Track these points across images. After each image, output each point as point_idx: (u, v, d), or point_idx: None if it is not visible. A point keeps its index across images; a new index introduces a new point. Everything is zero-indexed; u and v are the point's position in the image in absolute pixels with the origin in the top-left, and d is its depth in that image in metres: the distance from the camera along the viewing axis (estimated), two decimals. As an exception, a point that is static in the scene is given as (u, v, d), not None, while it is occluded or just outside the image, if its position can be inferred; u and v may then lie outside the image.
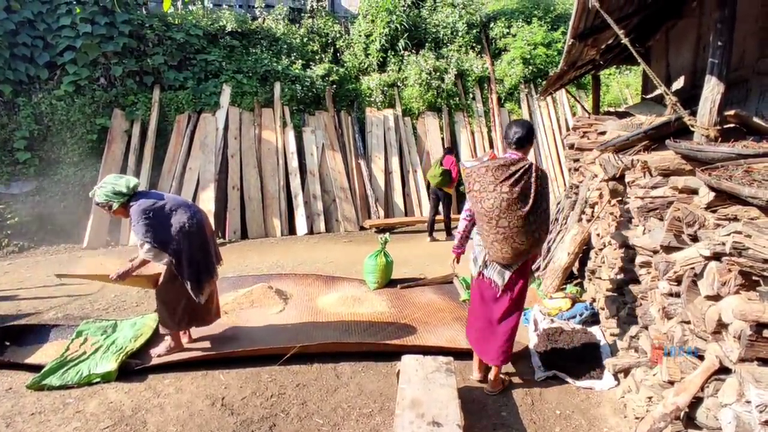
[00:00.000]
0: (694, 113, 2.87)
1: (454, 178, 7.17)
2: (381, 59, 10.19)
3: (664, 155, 2.85)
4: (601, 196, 4.19)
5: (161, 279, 3.28)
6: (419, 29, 10.56)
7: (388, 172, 9.26)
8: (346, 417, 2.84)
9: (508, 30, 10.76)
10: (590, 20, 4.07)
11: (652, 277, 2.80)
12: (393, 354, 3.41)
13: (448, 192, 7.42)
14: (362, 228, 8.62)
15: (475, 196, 2.74)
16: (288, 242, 7.76)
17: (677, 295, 2.41)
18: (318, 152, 8.85)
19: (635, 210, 2.95)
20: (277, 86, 9.03)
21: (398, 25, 10.06)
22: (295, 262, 6.38)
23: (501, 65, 10.50)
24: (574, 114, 9.92)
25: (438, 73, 9.93)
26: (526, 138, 2.80)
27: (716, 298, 2.03)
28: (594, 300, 4.12)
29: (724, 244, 1.93)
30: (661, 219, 2.73)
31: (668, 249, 2.47)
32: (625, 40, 2.98)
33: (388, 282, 5.02)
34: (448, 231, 7.58)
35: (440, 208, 7.58)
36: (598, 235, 4.21)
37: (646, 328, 2.83)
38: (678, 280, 2.38)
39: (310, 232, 8.35)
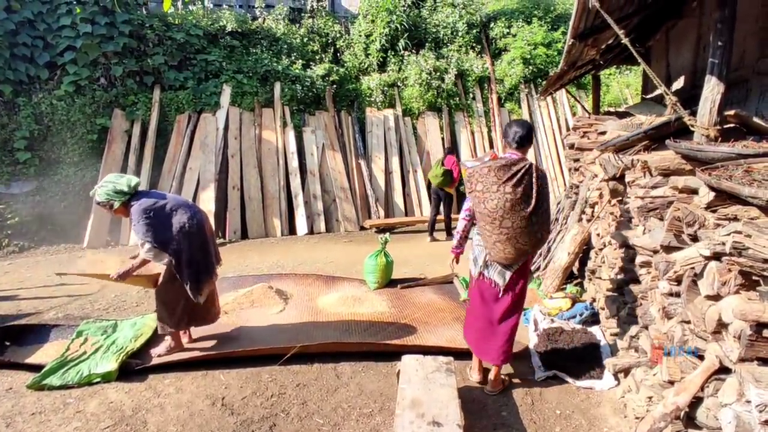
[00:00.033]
0: (694, 113, 2.87)
1: (456, 178, 7.17)
2: (381, 59, 10.19)
3: (664, 155, 2.85)
4: (601, 196, 4.20)
5: (161, 279, 3.28)
6: (419, 29, 10.56)
7: (388, 172, 9.26)
8: (347, 417, 2.85)
9: (508, 30, 10.76)
10: (590, 20, 4.07)
11: (652, 277, 2.80)
12: (393, 354, 3.41)
13: (450, 192, 7.42)
14: (362, 228, 8.62)
15: (477, 197, 2.73)
16: (288, 242, 7.76)
17: (677, 294, 2.41)
18: (318, 152, 8.85)
19: (635, 210, 2.95)
20: (278, 86, 9.03)
21: (398, 25, 10.06)
22: (295, 262, 6.38)
23: (501, 65, 10.50)
24: (574, 114, 9.92)
25: (438, 73, 9.93)
26: (526, 138, 2.82)
27: (716, 297, 2.03)
28: (594, 300, 4.12)
29: (724, 243, 1.93)
30: (661, 219, 2.73)
31: (668, 249, 2.47)
32: (625, 40, 2.98)
33: (389, 282, 5.02)
34: (449, 231, 7.58)
35: (441, 207, 7.58)
36: (598, 235, 4.21)
37: (647, 327, 2.83)
38: (678, 280, 2.38)
39: (311, 232, 8.35)
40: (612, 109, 6.89)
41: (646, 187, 2.94)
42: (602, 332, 3.69)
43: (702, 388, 2.08)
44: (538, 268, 5.11)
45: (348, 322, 4.04)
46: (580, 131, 5.20)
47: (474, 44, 10.68)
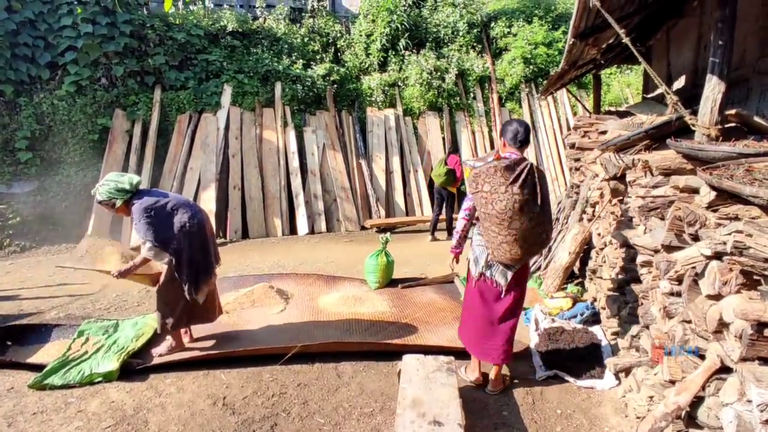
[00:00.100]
0: (695, 112, 2.86)
1: (459, 178, 7.16)
2: (382, 59, 10.19)
3: (665, 154, 2.85)
4: (602, 195, 4.19)
5: (162, 278, 3.28)
6: (420, 29, 10.56)
7: (389, 172, 9.26)
8: (348, 416, 2.85)
9: (508, 29, 10.75)
10: (591, 19, 4.07)
11: (653, 277, 2.80)
12: (394, 353, 3.42)
13: (452, 191, 7.41)
14: (363, 228, 8.62)
15: (485, 197, 2.68)
16: (289, 242, 7.77)
17: (678, 294, 2.41)
18: (319, 152, 8.86)
19: (636, 209, 2.94)
20: (278, 86, 9.04)
21: (399, 25, 10.06)
22: (296, 261, 6.38)
23: (502, 65, 10.49)
24: (575, 113, 9.92)
25: (439, 73, 9.93)
26: (527, 138, 2.83)
27: (717, 297, 2.03)
28: (595, 299, 4.12)
29: (725, 243, 1.93)
30: (662, 218, 2.72)
31: (669, 248, 2.47)
32: (626, 40, 2.98)
33: (389, 282, 5.03)
34: (450, 231, 7.57)
35: (443, 207, 7.57)
36: (599, 234, 4.21)
37: (647, 327, 2.82)
38: (679, 280, 2.38)
39: (311, 231, 8.35)
40: (613, 109, 6.89)
41: (647, 186, 2.93)
42: (603, 332, 3.69)
43: (703, 388, 2.08)
44: (539, 268, 5.11)
45: (349, 322, 4.05)
46: (580, 131, 5.20)
47: (475, 44, 10.68)
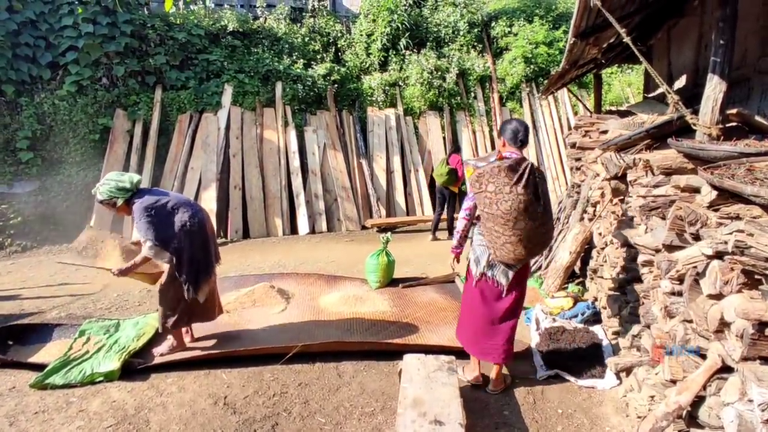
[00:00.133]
0: (696, 112, 2.86)
1: (460, 177, 7.15)
2: (382, 58, 10.19)
3: (666, 154, 2.85)
4: (603, 195, 4.19)
5: (164, 277, 3.29)
6: (420, 28, 10.55)
7: (389, 172, 9.26)
8: (349, 416, 2.85)
9: (509, 29, 10.75)
10: (592, 19, 4.07)
11: (654, 276, 2.80)
12: (395, 353, 3.41)
13: (454, 191, 7.41)
14: (364, 227, 8.63)
15: (489, 198, 2.66)
16: (290, 242, 7.77)
17: (679, 294, 2.41)
18: (320, 152, 8.86)
19: (637, 209, 2.94)
20: (279, 86, 9.04)
21: (399, 25, 10.06)
22: (296, 261, 6.39)
23: (502, 64, 10.49)
24: (575, 113, 9.92)
25: (439, 73, 9.93)
26: (527, 137, 2.85)
27: (718, 296, 2.03)
28: (596, 299, 4.11)
29: (726, 242, 1.93)
30: (664, 218, 2.72)
31: (670, 248, 2.47)
32: (626, 39, 2.98)
33: (390, 281, 5.03)
34: (451, 231, 7.57)
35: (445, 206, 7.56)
36: (600, 234, 4.21)
37: (648, 327, 2.82)
38: (680, 279, 2.38)
39: (312, 231, 8.36)
40: (614, 108, 6.88)
41: (648, 186, 2.93)
42: (604, 331, 3.68)
43: (704, 387, 2.08)
44: (539, 267, 5.11)
45: (350, 322, 4.05)
46: (581, 130, 5.19)
47: (475, 43, 10.68)
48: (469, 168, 2.81)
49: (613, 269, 3.62)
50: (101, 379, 3.15)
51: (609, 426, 2.74)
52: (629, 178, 3.34)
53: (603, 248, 4.00)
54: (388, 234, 5.36)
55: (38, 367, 3.25)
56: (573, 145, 5.34)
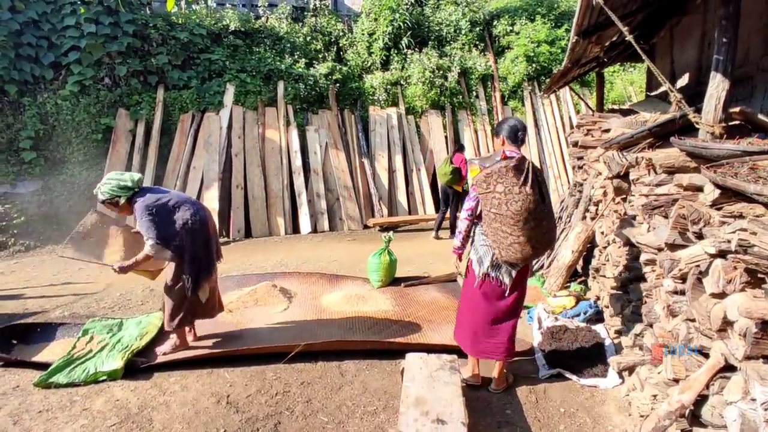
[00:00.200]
0: (698, 110, 2.86)
1: (464, 176, 7.14)
2: (384, 57, 10.18)
3: (668, 152, 2.84)
4: (605, 194, 4.19)
5: (168, 277, 3.29)
6: (422, 27, 10.55)
7: (391, 171, 9.26)
8: (351, 415, 2.85)
9: (511, 27, 10.73)
10: (594, 17, 4.06)
11: (657, 275, 2.80)
12: (397, 352, 3.42)
13: (458, 190, 7.40)
14: (366, 226, 8.63)
15: (498, 198, 2.63)
16: (292, 241, 7.78)
17: (682, 292, 2.41)
18: (321, 151, 8.86)
19: (640, 207, 2.94)
20: (281, 85, 9.05)
21: (401, 24, 10.05)
22: (299, 260, 6.39)
23: (504, 63, 10.48)
24: (578, 112, 9.90)
25: (441, 72, 9.92)
26: (525, 135, 2.86)
27: (721, 295, 2.03)
28: (598, 298, 4.11)
29: (729, 241, 1.93)
30: (666, 216, 2.72)
31: (673, 247, 2.46)
32: (629, 37, 2.97)
33: (392, 280, 5.03)
34: (453, 230, 7.56)
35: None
36: (602, 233, 4.21)
37: (651, 326, 2.82)
38: (683, 278, 2.38)
39: (314, 230, 8.37)
40: (616, 107, 6.87)
41: (651, 184, 2.93)
42: (606, 330, 3.68)
43: (707, 386, 2.08)
44: (541, 266, 5.11)
45: (352, 321, 4.05)
46: (583, 129, 5.19)
47: (477, 42, 10.67)
48: (474, 168, 2.77)
49: (615, 268, 3.62)
50: (104, 378, 3.16)
51: (611, 425, 2.74)
52: (632, 176, 3.33)
53: (605, 247, 4.00)
54: (390, 233, 5.36)
55: (42, 366, 3.26)
56: (575, 144, 5.33)
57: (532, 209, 2.59)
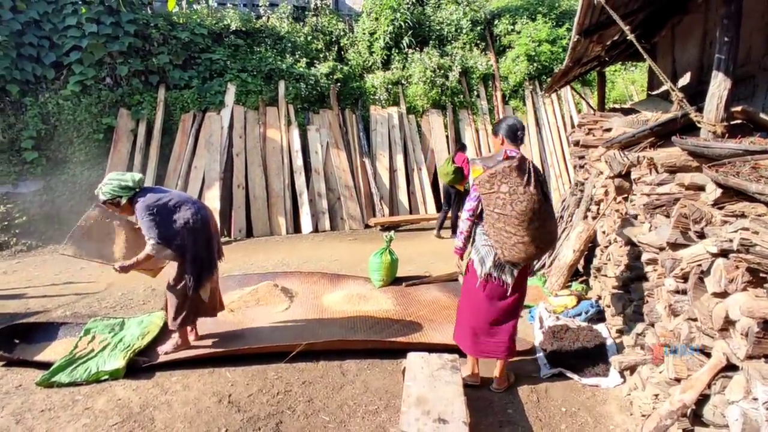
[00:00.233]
0: (700, 109, 2.85)
1: (466, 176, 7.12)
2: (385, 57, 10.18)
3: (670, 152, 2.84)
4: (606, 193, 4.18)
5: (171, 276, 3.30)
6: (423, 27, 10.54)
7: (392, 170, 9.26)
8: (352, 414, 2.86)
9: (512, 27, 10.72)
10: (595, 16, 4.06)
11: (659, 275, 2.80)
12: (398, 351, 3.42)
13: (460, 189, 7.39)
14: (367, 226, 8.63)
15: (503, 198, 2.61)
16: (293, 240, 7.79)
17: (684, 292, 2.40)
18: (322, 150, 8.87)
19: (641, 207, 2.94)
20: (282, 85, 9.05)
21: (402, 23, 10.05)
22: (300, 260, 6.40)
23: (505, 62, 10.47)
24: (579, 111, 9.89)
25: (442, 71, 9.92)
26: (524, 135, 2.86)
27: (723, 295, 2.03)
28: (600, 297, 4.11)
29: (731, 240, 1.92)
30: (668, 216, 2.72)
31: (675, 246, 2.46)
32: (630, 36, 2.97)
33: (394, 280, 5.03)
34: (455, 229, 7.55)
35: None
36: (603, 232, 4.20)
37: (653, 325, 2.82)
38: (685, 278, 2.38)
39: (315, 230, 8.37)
40: (617, 106, 6.86)
41: (652, 184, 2.92)
42: (608, 330, 3.68)
43: (709, 386, 2.08)
44: (543, 266, 5.11)
45: (353, 320, 4.06)
46: (585, 128, 5.18)
47: (478, 41, 10.66)
48: (477, 168, 2.74)
49: (616, 267, 3.61)
50: (106, 377, 3.17)
51: (613, 424, 2.74)
52: (633, 176, 3.33)
53: (607, 246, 4.00)
54: (392, 232, 5.36)
55: (44, 366, 3.27)
56: (576, 143, 5.32)
57: (537, 209, 2.59)
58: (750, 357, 1.85)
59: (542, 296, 4.44)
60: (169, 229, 3.18)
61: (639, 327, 3.05)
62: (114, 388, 3.09)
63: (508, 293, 2.87)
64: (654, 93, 5.76)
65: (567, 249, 4.61)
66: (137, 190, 3.21)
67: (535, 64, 10.22)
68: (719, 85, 2.71)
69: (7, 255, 6.98)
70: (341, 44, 10.28)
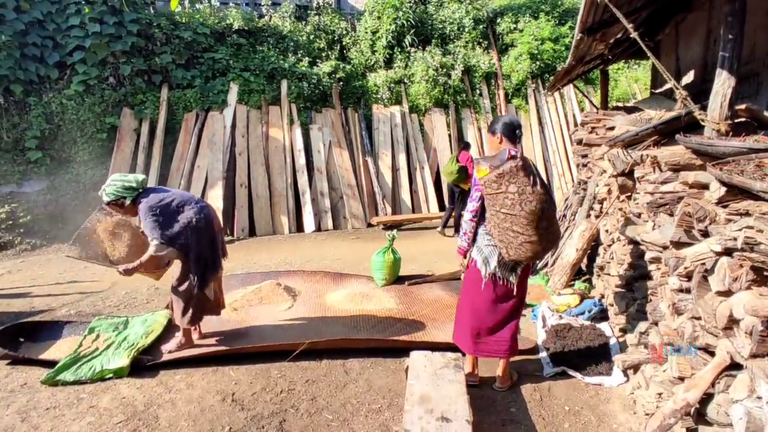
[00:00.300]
0: (704, 107, 2.84)
1: (471, 174, 7.09)
2: (387, 56, 10.18)
3: (674, 150, 2.83)
4: (609, 191, 4.17)
5: (175, 276, 3.31)
6: (425, 25, 10.53)
7: (395, 169, 9.26)
8: (356, 412, 2.86)
9: (515, 25, 10.70)
10: (599, 14, 4.04)
11: (662, 273, 2.79)
12: (401, 350, 3.43)
13: (465, 188, 7.37)
14: (370, 225, 8.64)
15: (511, 199, 2.59)
16: (296, 239, 7.80)
17: (687, 291, 2.40)
18: (325, 149, 8.87)
19: (645, 205, 2.93)
20: (284, 84, 9.06)
21: (404, 22, 10.04)
22: (303, 259, 6.41)
23: (508, 61, 10.45)
24: (582, 109, 9.86)
25: (445, 70, 9.91)
26: (522, 133, 2.87)
27: (727, 293, 2.02)
28: (603, 296, 4.10)
29: (735, 239, 1.92)
30: (671, 214, 2.71)
31: (678, 245, 2.45)
32: (634, 34, 2.96)
33: (396, 279, 5.04)
34: (458, 228, 7.55)
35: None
36: (606, 231, 4.19)
37: (656, 324, 2.81)
38: (688, 276, 2.37)
39: (318, 229, 8.38)
40: (621, 104, 6.83)
41: (656, 182, 2.91)
42: (611, 328, 3.67)
43: (713, 384, 2.07)
44: (546, 264, 5.10)
45: (356, 319, 4.06)
46: (588, 127, 5.17)
47: (481, 40, 10.64)
48: (482, 168, 2.69)
49: (620, 266, 3.61)
50: (111, 375, 3.18)
51: (616, 423, 2.73)
52: (636, 174, 3.32)
53: (610, 245, 3.99)
54: (394, 231, 5.37)
55: (49, 364, 3.29)
56: (579, 142, 5.31)
57: (546, 208, 2.61)
58: (754, 356, 1.85)
59: (545, 295, 4.44)
60: (172, 229, 3.18)
61: (642, 326, 3.05)
62: (118, 386, 3.11)
63: (515, 291, 2.86)
64: (657, 91, 5.74)
65: (570, 248, 4.60)
66: (140, 190, 3.23)
67: (537, 63, 10.19)
68: (723, 83, 2.70)
69: (11, 254, 7.02)
70: (344, 43, 10.28)
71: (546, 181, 2.77)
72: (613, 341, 3.49)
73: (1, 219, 7.24)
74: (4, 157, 7.64)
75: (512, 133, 2.80)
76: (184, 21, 8.84)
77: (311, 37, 9.96)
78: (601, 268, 4.22)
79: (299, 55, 9.53)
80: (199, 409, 2.88)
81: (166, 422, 2.75)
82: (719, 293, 2.07)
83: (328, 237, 7.93)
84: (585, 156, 5.33)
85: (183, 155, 8.22)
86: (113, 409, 2.86)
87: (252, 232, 8.13)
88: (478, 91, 10.26)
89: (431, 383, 2.62)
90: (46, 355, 3.47)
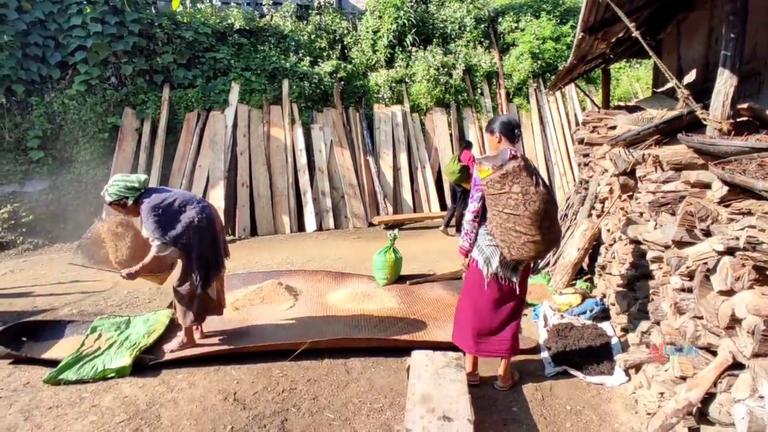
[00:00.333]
0: (706, 107, 2.84)
1: (472, 174, 7.08)
2: (389, 55, 10.17)
3: (676, 149, 2.83)
4: (611, 191, 4.17)
5: (177, 277, 3.32)
6: (427, 25, 10.52)
7: (396, 169, 9.26)
8: (357, 412, 2.87)
9: (516, 24, 10.69)
10: (600, 13, 4.04)
11: (664, 273, 2.79)
12: (403, 349, 3.43)
13: (466, 187, 7.37)
14: (371, 224, 8.64)
15: (515, 199, 2.58)
16: (297, 239, 7.80)
17: (689, 290, 2.40)
18: (326, 149, 8.87)
19: (647, 205, 2.93)
20: (285, 83, 9.06)
21: (406, 21, 10.03)
22: (304, 258, 6.41)
23: (509, 60, 10.43)
24: (583, 109, 9.84)
25: (446, 69, 9.90)
26: (520, 132, 2.87)
27: (729, 293, 2.02)
28: (604, 295, 4.10)
29: (737, 238, 1.92)
30: (673, 214, 2.70)
31: (680, 244, 2.45)
32: (636, 33, 2.96)
33: (398, 278, 5.04)
34: (459, 228, 7.55)
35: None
36: (608, 230, 4.19)
37: (658, 323, 2.81)
38: (690, 276, 2.37)
39: (319, 228, 8.38)
40: (622, 104, 6.83)
41: (658, 181, 2.91)
42: (613, 328, 3.67)
43: (715, 384, 2.07)
44: (547, 264, 5.10)
45: (357, 318, 4.07)
46: (589, 126, 5.16)
47: (482, 39, 10.63)
48: (484, 168, 2.68)
49: (621, 265, 3.60)
50: (113, 374, 3.19)
51: (618, 423, 2.73)
52: (638, 173, 3.32)
53: (611, 244, 3.98)
54: (396, 231, 5.37)
55: (51, 363, 3.30)
56: (581, 141, 5.31)
57: (548, 209, 2.60)
58: (756, 355, 1.85)
59: (547, 294, 4.44)
60: (174, 229, 3.19)
61: (644, 325, 3.05)
62: (120, 385, 3.11)
63: (517, 291, 2.86)
64: (659, 90, 5.73)
65: (571, 247, 4.60)
66: (143, 190, 3.23)
67: (539, 62, 10.17)
68: (725, 82, 2.69)
69: (14, 254, 7.04)
70: (345, 42, 10.27)
71: (547, 181, 2.75)
72: (614, 341, 3.49)
73: (4, 219, 7.26)
74: (6, 156, 7.66)
75: (511, 132, 2.79)
76: (185, 21, 8.84)
77: (312, 36, 9.97)
78: (603, 268, 4.22)
79: (300, 55, 9.53)
80: (201, 408, 2.88)
81: (168, 421, 2.76)
82: (721, 293, 2.07)
83: (329, 236, 7.94)
84: (586, 155, 5.33)
85: (184, 155, 8.23)
86: (115, 408, 2.87)
87: (253, 232, 8.14)
88: (479, 91, 10.25)
89: (433, 382, 2.62)
90: (48, 355, 3.48)
